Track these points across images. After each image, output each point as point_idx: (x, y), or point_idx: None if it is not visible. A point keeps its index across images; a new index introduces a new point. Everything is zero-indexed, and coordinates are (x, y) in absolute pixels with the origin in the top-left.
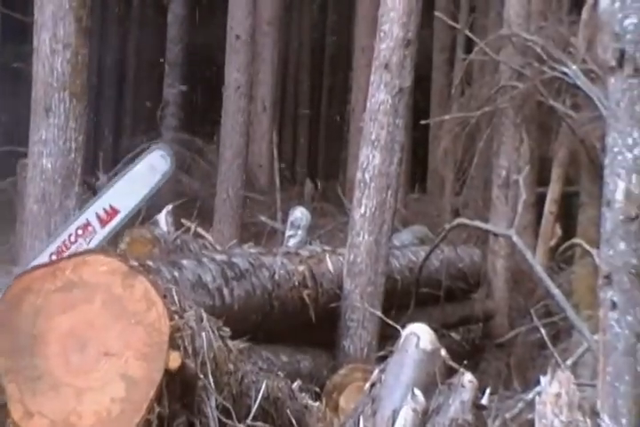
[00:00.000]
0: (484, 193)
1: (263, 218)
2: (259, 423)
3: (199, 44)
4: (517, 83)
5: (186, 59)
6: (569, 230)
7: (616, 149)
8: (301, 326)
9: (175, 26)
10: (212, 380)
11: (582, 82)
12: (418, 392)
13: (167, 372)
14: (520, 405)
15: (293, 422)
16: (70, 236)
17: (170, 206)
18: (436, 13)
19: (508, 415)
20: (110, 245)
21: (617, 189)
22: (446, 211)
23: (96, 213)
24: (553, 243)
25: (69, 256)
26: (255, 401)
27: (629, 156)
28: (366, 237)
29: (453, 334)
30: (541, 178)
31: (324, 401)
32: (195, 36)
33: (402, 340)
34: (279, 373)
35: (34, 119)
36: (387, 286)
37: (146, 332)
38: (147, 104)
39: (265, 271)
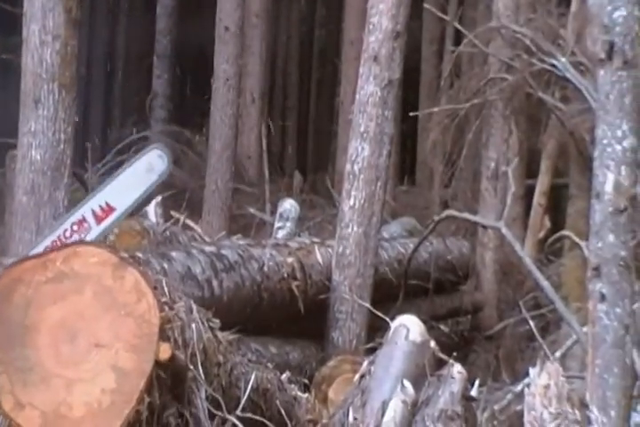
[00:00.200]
0: (473, 185)
1: (252, 210)
2: (248, 415)
3: (188, 35)
4: (506, 75)
5: (175, 50)
6: (558, 222)
7: (605, 142)
8: (290, 317)
9: (164, 17)
10: (201, 371)
11: (571, 74)
12: (407, 384)
13: (157, 363)
14: (509, 396)
15: (283, 413)
16: (66, 231)
17: (159, 198)
18: (425, 5)
19: (496, 407)
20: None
21: (606, 181)
22: (435, 203)
23: (92, 210)
24: (542, 235)
25: (60, 247)
26: (244, 392)
27: (619, 148)
28: (355, 228)
29: (442, 326)
30: (530, 170)
31: (312, 393)
32: (184, 27)
33: (391, 332)
34: (268, 364)
35: (23, 111)
36: (375, 278)
37: (136, 323)
38: (136, 96)
39: (254, 263)
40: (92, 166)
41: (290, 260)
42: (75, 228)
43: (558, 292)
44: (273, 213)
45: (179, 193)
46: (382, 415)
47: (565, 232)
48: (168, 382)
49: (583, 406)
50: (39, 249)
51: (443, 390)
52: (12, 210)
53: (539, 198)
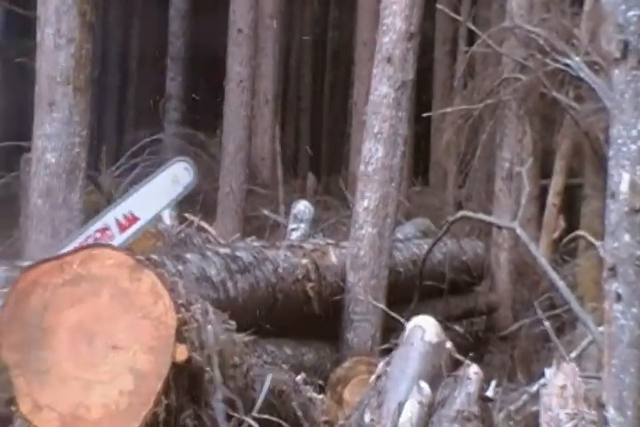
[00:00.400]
0: (487, 185)
1: (266, 211)
2: (264, 416)
3: (201, 37)
4: (520, 75)
5: (188, 52)
6: (572, 223)
7: (620, 141)
8: (305, 318)
9: (177, 20)
10: (218, 373)
11: (586, 73)
12: (424, 385)
13: (174, 365)
14: (524, 397)
15: (298, 414)
16: (88, 238)
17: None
18: (438, 6)
19: (512, 408)
20: None
21: (621, 180)
22: (449, 203)
23: (116, 219)
24: (556, 235)
25: (76, 250)
26: (260, 394)
27: (634, 147)
28: (369, 229)
29: (457, 327)
30: (545, 170)
31: (328, 394)
32: (197, 29)
33: (407, 332)
34: (283, 366)
35: (38, 114)
36: (390, 279)
37: (153, 325)
38: (149, 99)
39: (268, 265)
40: (106, 169)
41: (304, 261)
42: (98, 235)
43: (574, 292)
44: (287, 214)
45: (192, 195)
46: (399, 416)
47: (580, 232)
48: (185, 383)
49: (599, 406)
50: None
51: (459, 391)
52: (28, 213)
53: (553, 198)
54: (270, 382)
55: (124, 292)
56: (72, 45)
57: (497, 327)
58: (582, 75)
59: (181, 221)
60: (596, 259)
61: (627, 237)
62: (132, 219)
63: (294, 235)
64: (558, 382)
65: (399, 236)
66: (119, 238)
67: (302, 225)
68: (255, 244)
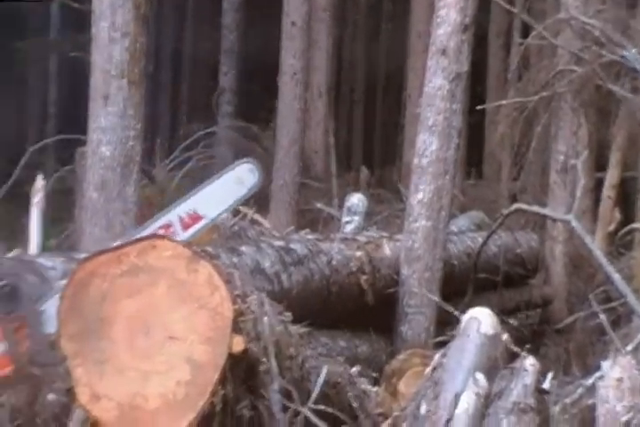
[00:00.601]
0: (542, 178)
1: (319, 204)
2: (320, 407)
3: (255, 30)
4: (576, 67)
5: (241, 46)
6: (628, 215)
7: None
8: (359, 311)
9: (230, 13)
10: (274, 364)
11: None
12: (480, 376)
13: (231, 356)
14: (580, 390)
15: (355, 405)
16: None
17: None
18: None
19: (568, 400)
20: None
21: None
22: (503, 196)
23: (179, 216)
24: (612, 228)
25: (134, 241)
26: (316, 385)
27: None
28: (424, 222)
29: (511, 320)
30: (600, 162)
31: (382, 386)
32: (250, 22)
33: (463, 324)
34: (338, 358)
35: (92, 107)
36: (444, 272)
37: (209, 316)
38: (203, 92)
39: (323, 257)
40: (159, 162)
41: (358, 254)
42: (161, 232)
43: (629, 285)
44: (340, 207)
45: None
46: (455, 408)
47: (636, 225)
48: (241, 374)
49: None
50: None
51: (515, 383)
52: (83, 206)
53: (608, 191)
54: (325, 374)
55: (180, 283)
56: (126, 39)
57: (552, 320)
58: (638, 66)
59: (235, 213)
60: None
61: None
62: (196, 217)
63: (348, 228)
64: (615, 375)
65: (453, 229)
66: (182, 236)
67: (356, 218)
68: (309, 236)
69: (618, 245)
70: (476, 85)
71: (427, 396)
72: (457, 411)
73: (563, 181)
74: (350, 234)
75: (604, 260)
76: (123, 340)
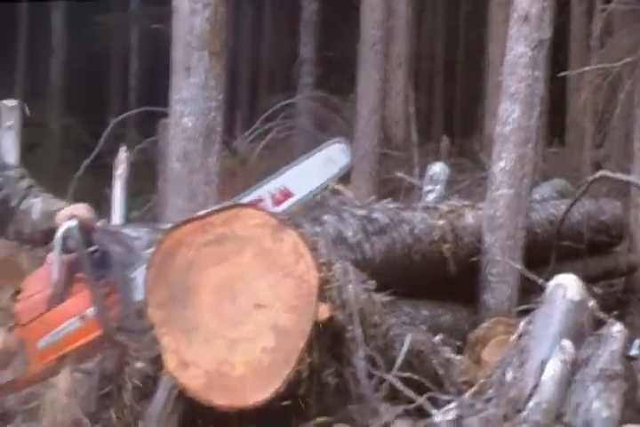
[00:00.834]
0: (626, 145)
1: (400, 174)
2: (406, 374)
3: (334, 0)
4: None
5: (321, 16)
6: None
7: None
8: (441, 280)
9: None
10: (359, 331)
11: None
12: (566, 343)
13: (316, 323)
14: None
15: (440, 372)
16: None
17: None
18: None
19: None
20: None
21: None
22: (586, 164)
23: (270, 193)
24: None
25: (219, 210)
26: (400, 354)
27: None
28: (506, 190)
29: (596, 288)
30: None
31: (466, 355)
32: None
33: (549, 290)
34: (421, 327)
35: (174, 79)
36: (527, 240)
37: (295, 284)
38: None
39: (405, 226)
40: (240, 134)
41: (440, 222)
42: None
43: None
44: (421, 177)
45: None
46: (541, 375)
47: None
48: (327, 342)
49: None
50: None
51: (602, 350)
52: (165, 177)
53: None
54: (409, 342)
55: (266, 251)
56: (207, 10)
57: (637, 288)
58: None
59: None
60: None
61: None
62: (287, 194)
63: (430, 197)
64: None
65: (536, 197)
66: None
67: (438, 187)
68: (391, 206)
69: None
70: (558, 52)
71: (512, 363)
72: (543, 378)
73: None
74: (432, 203)
75: None
76: (209, 308)
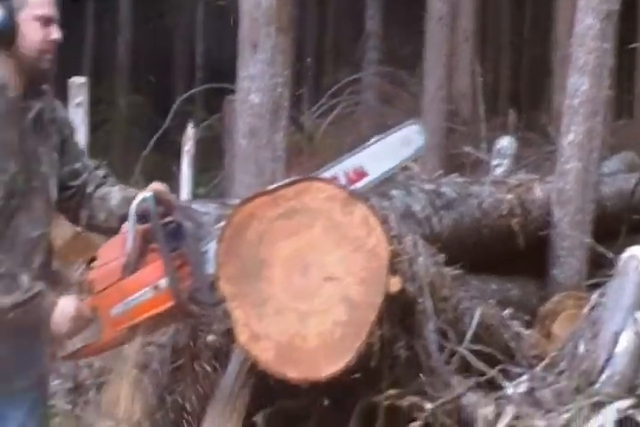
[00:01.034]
0: None
1: (468, 148)
2: (477, 347)
3: None
4: None
5: None
6: None
7: None
8: (509, 254)
9: None
10: (430, 304)
11: None
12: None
13: (387, 296)
14: None
15: (511, 345)
16: None
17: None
18: None
19: None
20: None
21: None
22: None
23: (345, 171)
24: None
25: (289, 184)
26: (470, 327)
27: None
28: (575, 163)
29: None
30: None
31: (536, 328)
32: None
33: (621, 263)
34: (490, 301)
35: (241, 55)
36: (596, 213)
37: (365, 257)
38: (348, 38)
39: (473, 200)
40: (307, 110)
41: (509, 196)
42: None
43: None
44: (488, 151)
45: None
46: (614, 347)
47: None
48: (398, 314)
49: None
50: None
51: None
52: (232, 154)
53: None
54: (479, 316)
55: (336, 224)
56: None
57: None
58: None
59: None
60: None
61: None
62: (361, 173)
63: (497, 171)
64: None
65: (605, 170)
66: None
67: (505, 161)
68: (459, 180)
69: None
70: (624, 24)
71: (585, 336)
72: (616, 350)
73: None
74: (500, 177)
75: None
76: (280, 281)
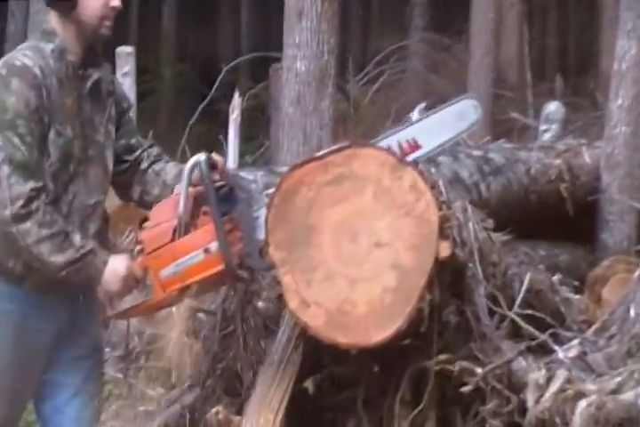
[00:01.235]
0: None
1: (515, 114)
2: (527, 312)
3: None
4: None
5: None
6: None
7: None
8: (558, 219)
9: None
10: (479, 269)
11: None
12: None
13: (437, 261)
14: None
15: (562, 310)
16: None
17: (422, 105)
18: None
19: None
20: None
21: None
22: None
23: (399, 142)
24: None
25: (338, 150)
26: (519, 292)
27: None
28: (623, 128)
29: None
30: None
31: (585, 294)
32: None
33: None
34: (538, 266)
35: (287, 23)
36: None
37: (415, 222)
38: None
39: (521, 166)
40: (352, 77)
41: (557, 162)
42: None
43: None
44: (535, 117)
45: (440, 101)
46: None
47: None
48: (448, 280)
49: None
50: None
51: None
52: (279, 121)
53: None
54: (528, 282)
55: (386, 190)
56: None
57: None
58: None
59: None
60: None
61: None
62: (415, 146)
63: (545, 136)
64: None
65: None
66: None
67: (553, 126)
68: (507, 146)
69: None
70: None
71: (636, 299)
72: None
73: None
74: (548, 142)
75: None
76: (330, 247)
